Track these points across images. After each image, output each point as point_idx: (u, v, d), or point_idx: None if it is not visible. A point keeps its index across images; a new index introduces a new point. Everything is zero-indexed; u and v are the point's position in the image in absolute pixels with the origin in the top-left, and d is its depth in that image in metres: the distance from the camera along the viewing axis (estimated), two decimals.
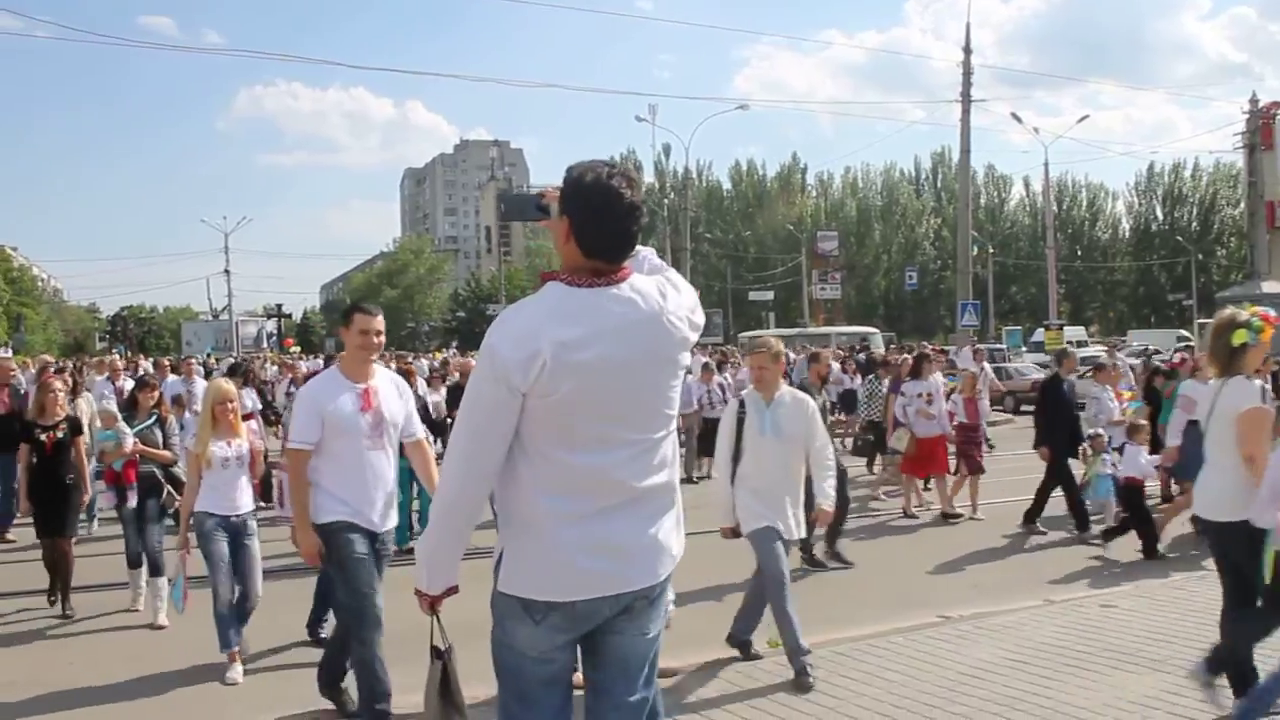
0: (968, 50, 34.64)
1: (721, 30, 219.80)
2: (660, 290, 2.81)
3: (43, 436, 8.35)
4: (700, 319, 2.91)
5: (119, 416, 8.24)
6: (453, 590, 2.89)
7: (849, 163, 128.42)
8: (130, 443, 8.07)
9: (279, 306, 69.07)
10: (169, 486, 8.19)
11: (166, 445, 8.36)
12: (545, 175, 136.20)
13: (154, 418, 8.40)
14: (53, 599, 8.32)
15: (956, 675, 5.81)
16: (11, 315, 73.61)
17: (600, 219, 2.71)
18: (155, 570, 7.98)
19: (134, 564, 8.24)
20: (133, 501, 8.09)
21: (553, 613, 2.72)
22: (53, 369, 15.89)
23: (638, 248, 2.89)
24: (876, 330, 49.86)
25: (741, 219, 77.38)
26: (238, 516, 6.78)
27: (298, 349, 54.52)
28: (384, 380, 5.49)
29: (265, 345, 58.15)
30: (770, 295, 66.18)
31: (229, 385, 7.27)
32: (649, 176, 75.06)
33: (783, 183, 78.31)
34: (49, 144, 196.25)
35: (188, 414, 11.13)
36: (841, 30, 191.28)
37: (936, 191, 79.18)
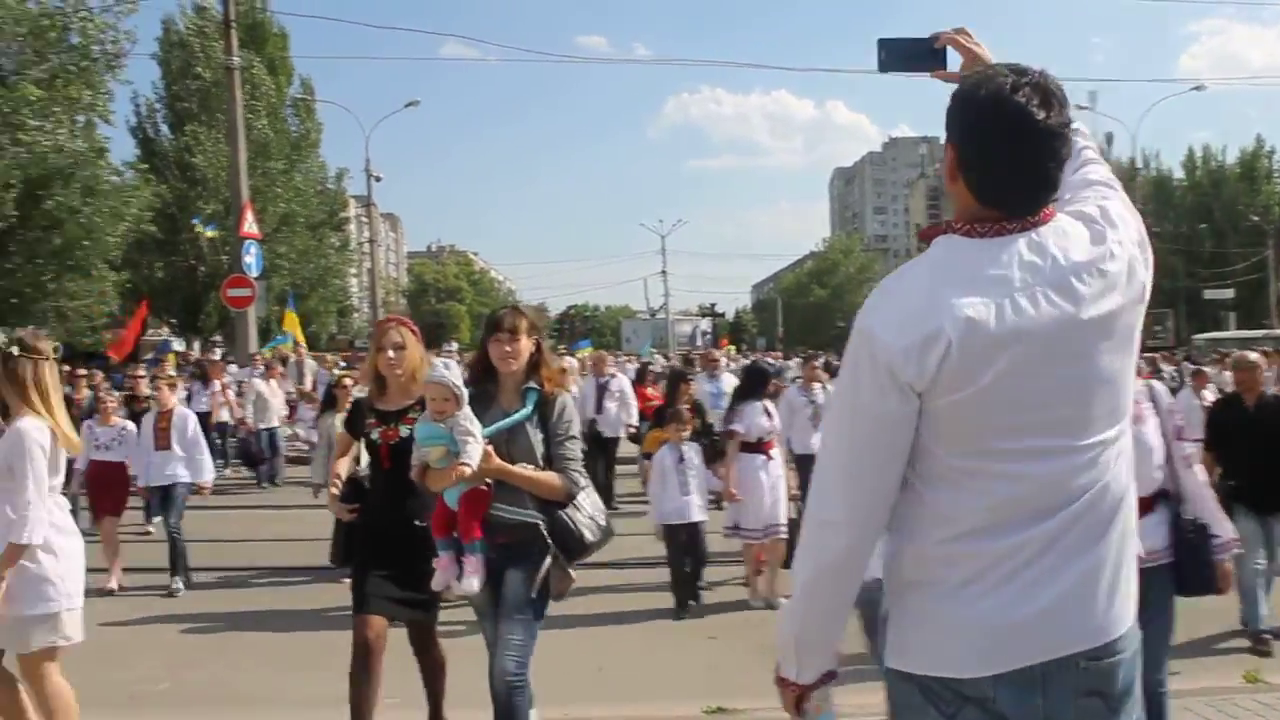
0: None
1: (1164, 5, 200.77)
2: (1094, 233, 2.01)
3: (375, 434, 4.70)
4: (1150, 257, 2.09)
5: (461, 397, 4.07)
6: (829, 677, 2.12)
7: None
8: (477, 451, 3.97)
9: (713, 306, 72.83)
10: (554, 548, 4.13)
11: (554, 458, 4.19)
12: None
13: (533, 399, 4.21)
14: None
15: None
16: (474, 314, 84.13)
17: (998, 150, 1.93)
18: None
19: (507, 712, 4.05)
20: (477, 579, 4.08)
21: (966, 706, 1.97)
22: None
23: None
24: None
25: (1196, 211, 71.24)
26: None
27: (732, 349, 57.09)
28: None
29: (699, 343, 61.40)
30: (1230, 293, 60.44)
31: None
32: None
33: (1245, 169, 71.07)
34: (501, 158, 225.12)
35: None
36: None
37: None
